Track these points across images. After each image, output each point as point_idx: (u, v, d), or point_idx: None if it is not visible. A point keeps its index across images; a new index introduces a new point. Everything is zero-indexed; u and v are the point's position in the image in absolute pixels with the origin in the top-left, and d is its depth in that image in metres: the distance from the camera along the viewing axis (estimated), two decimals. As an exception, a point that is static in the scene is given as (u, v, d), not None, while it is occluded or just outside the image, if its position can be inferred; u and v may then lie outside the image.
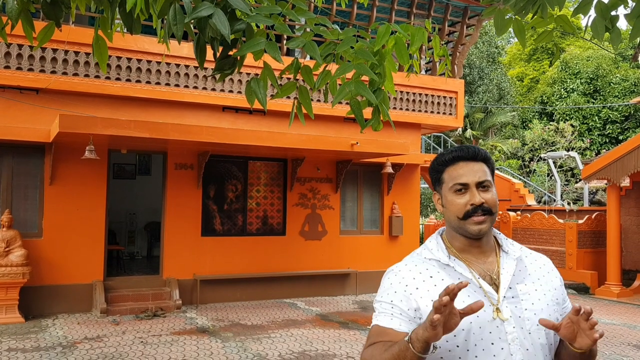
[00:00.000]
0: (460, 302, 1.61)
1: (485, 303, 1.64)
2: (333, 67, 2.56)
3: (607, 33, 2.40)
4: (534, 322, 1.68)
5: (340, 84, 2.42)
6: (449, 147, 24.23)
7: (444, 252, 1.75)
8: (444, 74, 12.39)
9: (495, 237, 1.84)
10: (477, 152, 1.76)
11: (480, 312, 1.61)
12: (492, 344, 1.63)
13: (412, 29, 2.46)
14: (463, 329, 1.61)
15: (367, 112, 2.65)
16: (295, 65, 2.58)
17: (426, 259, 1.76)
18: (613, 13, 2.35)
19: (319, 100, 10.42)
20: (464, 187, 1.72)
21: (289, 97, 10.19)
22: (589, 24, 2.40)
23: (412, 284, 1.70)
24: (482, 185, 1.73)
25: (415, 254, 1.81)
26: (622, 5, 2.35)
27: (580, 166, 16.45)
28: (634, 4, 2.29)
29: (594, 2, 2.36)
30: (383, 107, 2.56)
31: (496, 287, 1.70)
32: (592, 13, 2.41)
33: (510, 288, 1.70)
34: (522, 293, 1.71)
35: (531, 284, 1.74)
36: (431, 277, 1.70)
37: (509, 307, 1.67)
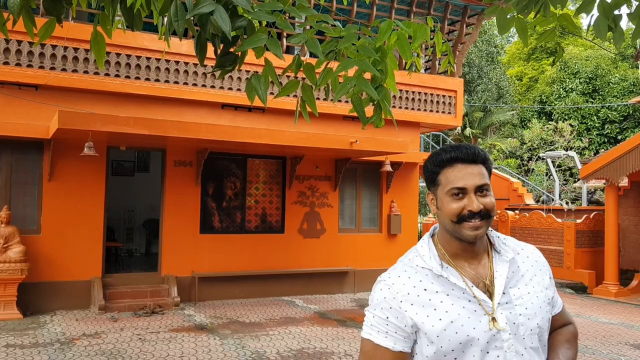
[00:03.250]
0: (455, 315, 1.61)
1: (480, 312, 1.61)
2: (334, 65, 2.55)
3: (610, 32, 2.40)
4: (528, 327, 1.65)
5: (342, 82, 2.41)
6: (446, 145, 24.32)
7: (436, 260, 1.68)
8: (446, 71, 12.40)
9: (487, 235, 1.77)
10: (476, 154, 1.67)
11: (476, 324, 1.60)
12: (488, 352, 1.61)
13: (414, 26, 2.45)
14: (460, 343, 1.59)
15: (369, 111, 2.64)
16: (296, 62, 2.58)
17: (419, 267, 1.69)
18: (616, 12, 2.35)
19: (317, 98, 10.41)
20: (461, 192, 1.65)
21: (288, 95, 10.19)
22: (592, 23, 2.39)
23: (406, 299, 1.64)
24: (480, 190, 1.65)
25: (407, 260, 1.74)
26: (625, 5, 2.35)
27: (579, 166, 16.48)
28: (638, 3, 2.29)
29: (597, 1, 2.36)
30: (385, 104, 2.56)
31: (490, 293, 1.66)
32: (595, 12, 2.41)
33: (504, 293, 1.66)
34: (516, 298, 1.67)
35: (524, 287, 1.70)
36: (425, 289, 1.65)
37: (503, 313, 1.63)
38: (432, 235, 1.79)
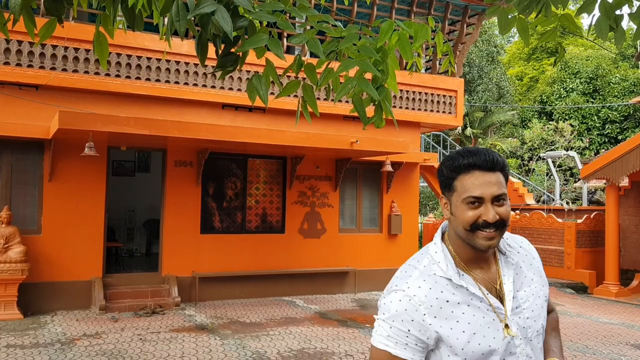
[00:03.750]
0: (477, 326, 1.60)
1: (497, 321, 1.62)
2: (335, 65, 2.55)
3: (611, 32, 2.40)
4: (534, 330, 1.67)
5: (342, 82, 2.41)
6: (449, 145, 23.83)
7: (453, 269, 1.64)
8: (446, 71, 12.41)
9: None
10: (495, 161, 1.61)
11: (496, 334, 1.60)
12: (504, 359, 1.62)
13: (415, 26, 2.45)
14: (483, 353, 1.59)
15: (370, 111, 2.64)
16: (297, 62, 2.58)
17: (437, 275, 1.64)
18: (617, 12, 2.35)
19: (318, 98, 10.40)
20: (478, 201, 1.60)
21: (288, 95, 10.14)
22: (593, 23, 2.39)
23: (429, 312, 1.59)
24: (497, 199, 1.60)
25: (423, 267, 1.67)
26: (627, 5, 2.35)
27: (580, 166, 16.48)
28: (639, 3, 2.29)
29: (598, 2, 2.35)
30: (386, 104, 2.56)
31: (501, 299, 1.66)
32: (596, 12, 2.41)
33: (513, 298, 1.67)
34: (523, 301, 1.68)
35: (528, 288, 1.71)
36: (447, 301, 1.61)
37: (514, 319, 1.64)
38: (442, 237, 1.75)
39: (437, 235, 1.75)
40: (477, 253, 1.67)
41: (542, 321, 1.71)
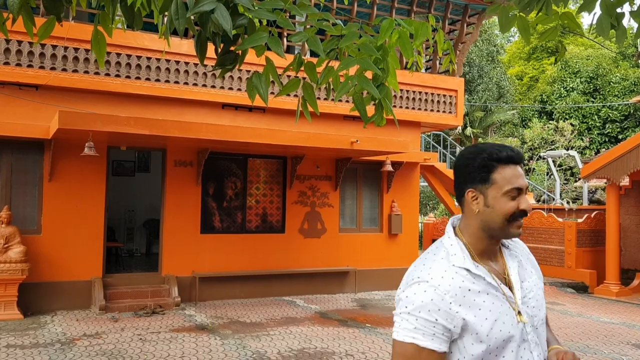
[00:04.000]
0: (497, 313, 1.65)
1: (511, 309, 1.68)
2: (335, 64, 2.54)
3: (612, 31, 2.39)
4: (539, 318, 1.76)
5: (343, 81, 2.40)
6: (449, 145, 23.74)
7: (469, 260, 1.69)
8: (447, 70, 12.39)
9: None
10: (522, 156, 1.74)
11: (512, 321, 1.66)
12: (519, 346, 1.67)
13: (416, 24, 2.44)
14: (503, 340, 1.64)
15: (370, 110, 2.63)
16: (297, 60, 2.57)
17: (456, 266, 1.67)
18: (618, 10, 2.34)
19: (318, 97, 10.39)
20: (519, 192, 1.68)
21: (288, 95, 10.18)
22: (594, 21, 2.39)
23: (455, 300, 1.62)
24: (525, 191, 1.72)
25: (441, 259, 1.70)
26: (628, 3, 2.34)
27: (580, 165, 16.46)
28: (640, 1, 2.27)
29: (599, 0, 2.35)
30: (386, 103, 2.55)
31: (510, 289, 1.73)
32: (597, 10, 2.40)
33: (520, 288, 1.74)
34: (528, 291, 1.75)
35: (530, 280, 1.79)
36: (469, 290, 1.64)
37: (523, 307, 1.71)
38: (454, 230, 1.79)
39: (449, 230, 1.79)
40: (491, 245, 1.74)
41: (544, 310, 1.80)
